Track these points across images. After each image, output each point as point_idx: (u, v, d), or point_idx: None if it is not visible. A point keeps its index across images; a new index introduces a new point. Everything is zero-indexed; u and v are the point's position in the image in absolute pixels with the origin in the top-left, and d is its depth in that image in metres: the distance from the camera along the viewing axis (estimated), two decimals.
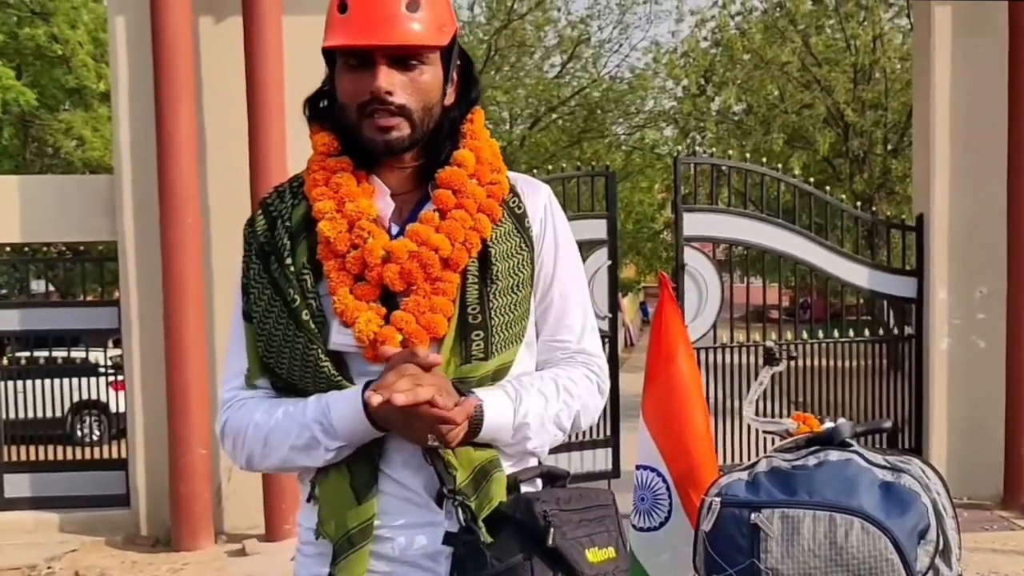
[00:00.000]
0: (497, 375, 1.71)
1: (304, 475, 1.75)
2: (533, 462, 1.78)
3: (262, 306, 1.71)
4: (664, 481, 3.31)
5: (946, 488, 2.00)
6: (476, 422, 1.62)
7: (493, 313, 1.69)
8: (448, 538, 1.62)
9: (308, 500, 1.73)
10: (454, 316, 1.67)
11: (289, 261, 1.69)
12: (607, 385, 1.87)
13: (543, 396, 1.73)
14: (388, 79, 1.62)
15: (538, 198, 1.81)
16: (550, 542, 1.53)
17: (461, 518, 1.60)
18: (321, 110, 1.76)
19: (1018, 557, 6.53)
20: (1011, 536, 7.05)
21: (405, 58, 1.64)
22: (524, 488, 1.70)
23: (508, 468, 1.71)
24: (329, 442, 1.62)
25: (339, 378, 1.65)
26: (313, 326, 1.66)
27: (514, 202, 1.77)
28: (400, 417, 1.54)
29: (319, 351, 1.65)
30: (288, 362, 1.68)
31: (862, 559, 1.81)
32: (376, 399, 1.51)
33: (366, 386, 1.59)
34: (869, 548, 1.81)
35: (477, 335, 1.67)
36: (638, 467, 3.45)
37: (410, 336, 1.63)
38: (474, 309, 1.68)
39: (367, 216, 1.67)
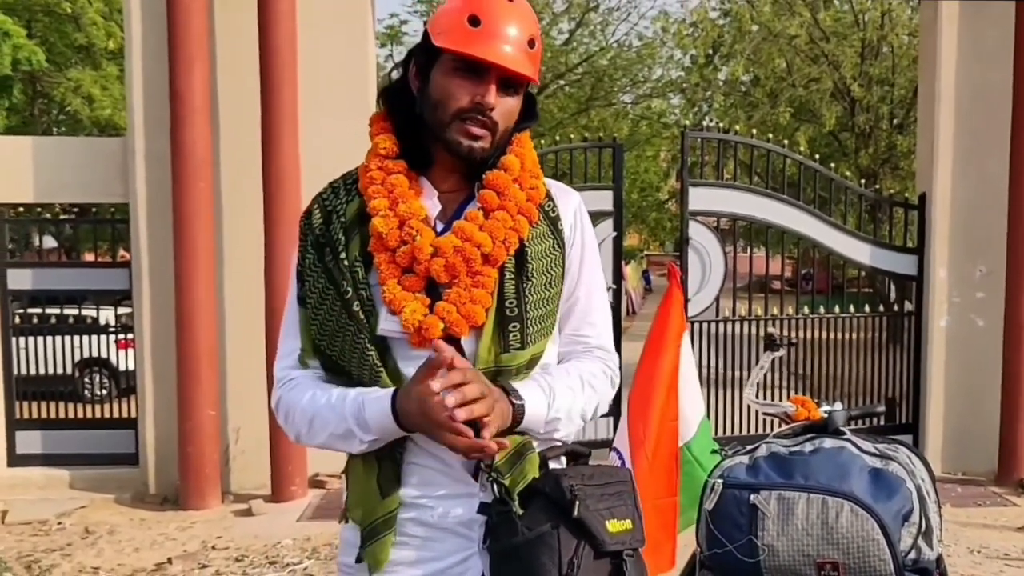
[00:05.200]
0: (531, 364, 1.87)
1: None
2: (559, 441, 1.94)
3: (316, 294, 1.87)
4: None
5: (931, 474, 2.14)
6: (517, 417, 1.78)
7: (528, 307, 1.85)
8: (483, 508, 1.81)
9: (346, 487, 1.92)
10: (492, 308, 1.83)
11: (343, 255, 1.85)
12: (618, 379, 2.05)
13: (571, 391, 1.89)
14: (496, 96, 1.80)
15: (569, 204, 1.98)
16: (575, 513, 1.72)
17: (496, 491, 1.77)
18: (391, 104, 1.92)
19: (1009, 533, 6.64)
20: (1003, 512, 7.18)
21: (511, 83, 1.83)
22: (551, 465, 1.87)
23: (537, 447, 1.87)
24: (363, 435, 1.79)
25: (380, 367, 1.82)
26: (362, 316, 1.82)
27: (549, 206, 1.94)
28: (425, 424, 1.70)
29: (366, 339, 1.82)
30: (340, 346, 1.85)
31: (851, 539, 1.96)
32: (435, 385, 1.65)
33: (395, 392, 1.76)
34: (857, 529, 1.96)
35: (514, 326, 1.84)
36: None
37: (451, 324, 1.79)
38: (511, 303, 1.84)
39: (417, 216, 1.83)
